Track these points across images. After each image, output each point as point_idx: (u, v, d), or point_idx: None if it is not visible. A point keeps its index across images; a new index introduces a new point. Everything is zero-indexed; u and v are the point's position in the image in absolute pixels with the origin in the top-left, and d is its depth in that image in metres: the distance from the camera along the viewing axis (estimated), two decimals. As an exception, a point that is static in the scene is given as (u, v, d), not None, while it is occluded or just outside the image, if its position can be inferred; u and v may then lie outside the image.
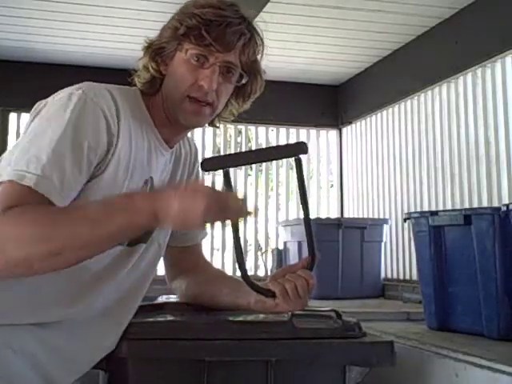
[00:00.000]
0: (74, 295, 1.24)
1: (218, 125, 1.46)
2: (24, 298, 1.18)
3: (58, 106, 1.19)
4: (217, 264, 4.18)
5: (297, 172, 1.26)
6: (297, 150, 1.24)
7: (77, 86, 1.24)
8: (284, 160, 4.60)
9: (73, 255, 1.08)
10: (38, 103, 1.26)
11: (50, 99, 1.24)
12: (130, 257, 1.34)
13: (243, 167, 4.52)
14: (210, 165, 1.20)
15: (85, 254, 1.10)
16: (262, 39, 1.37)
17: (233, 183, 1.23)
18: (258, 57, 1.38)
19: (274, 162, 4.65)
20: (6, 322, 1.16)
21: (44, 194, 1.09)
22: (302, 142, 1.25)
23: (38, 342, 1.20)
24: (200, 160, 1.56)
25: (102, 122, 1.19)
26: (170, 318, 1.46)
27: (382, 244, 3.67)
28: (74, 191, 1.15)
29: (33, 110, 1.25)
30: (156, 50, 1.33)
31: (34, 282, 1.17)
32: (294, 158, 1.25)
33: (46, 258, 1.06)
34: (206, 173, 1.20)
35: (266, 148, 1.27)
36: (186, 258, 1.58)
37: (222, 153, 4.45)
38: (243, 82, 1.35)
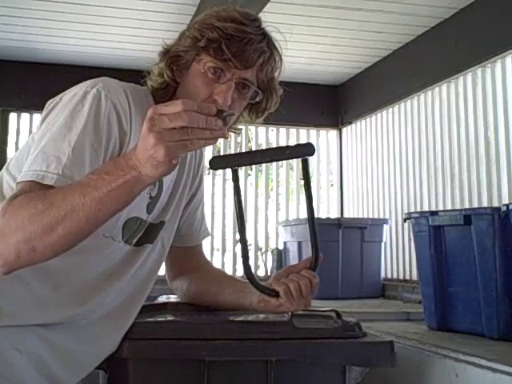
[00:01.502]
0: (81, 296, 1.25)
1: (226, 136, 1.46)
2: (31, 299, 1.18)
3: (74, 104, 1.19)
4: (217, 264, 4.18)
5: (303, 173, 1.27)
6: (304, 151, 1.24)
7: (92, 81, 1.24)
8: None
9: (70, 223, 1.02)
10: (49, 101, 1.26)
11: (64, 97, 1.23)
12: (137, 257, 1.34)
13: (243, 167, 4.53)
14: (217, 163, 1.20)
15: (83, 222, 1.03)
16: (280, 56, 1.37)
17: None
18: (276, 74, 1.38)
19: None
20: (13, 323, 1.16)
21: None
22: (309, 144, 1.24)
23: (43, 343, 1.20)
24: (205, 160, 1.57)
25: (116, 121, 1.20)
26: (170, 318, 1.47)
27: (382, 244, 3.67)
28: None
29: (45, 108, 1.25)
30: (172, 58, 1.31)
31: (40, 282, 1.18)
32: (300, 159, 1.25)
33: (45, 233, 1.01)
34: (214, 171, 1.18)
35: (274, 148, 1.27)
36: (187, 258, 1.58)
37: (221, 153, 4.46)
38: (257, 99, 1.36)
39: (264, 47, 1.31)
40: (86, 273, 1.24)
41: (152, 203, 1.34)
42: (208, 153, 4.36)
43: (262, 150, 1.28)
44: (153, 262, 1.40)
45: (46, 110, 1.25)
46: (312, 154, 1.22)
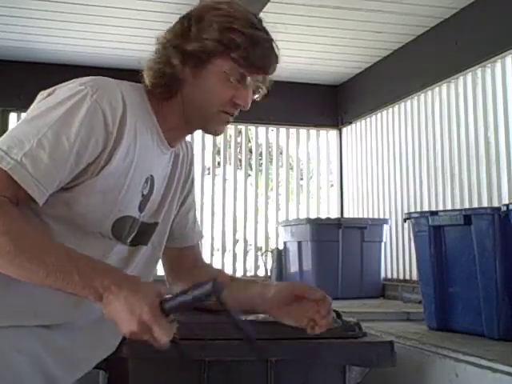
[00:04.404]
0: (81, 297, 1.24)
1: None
2: (31, 301, 1.18)
3: (59, 98, 1.19)
4: (217, 264, 4.18)
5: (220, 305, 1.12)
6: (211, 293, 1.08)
7: (87, 79, 1.23)
8: (284, 160, 4.62)
9: (9, 271, 1.08)
10: (42, 92, 1.25)
11: (57, 90, 1.23)
12: (133, 257, 1.34)
13: (243, 167, 4.53)
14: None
15: (19, 277, 1.10)
16: None
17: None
18: None
19: (274, 161, 4.66)
20: (12, 324, 1.16)
21: (18, 182, 1.09)
22: (214, 283, 1.08)
23: (42, 343, 1.20)
24: (195, 163, 1.57)
25: (97, 122, 1.18)
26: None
27: (382, 244, 3.67)
28: (53, 186, 1.15)
29: (37, 97, 1.25)
30: (193, 57, 1.28)
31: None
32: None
33: None
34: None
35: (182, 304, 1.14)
36: (182, 259, 1.57)
37: (221, 152, 4.45)
38: (262, 94, 1.38)
39: (277, 53, 1.34)
40: None
41: (144, 201, 1.33)
42: (208, 152, 4.36)
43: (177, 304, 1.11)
44: (146, 263, 1.40)
45: (37, 99, 1.25)
46: (220, 292, 1.08)
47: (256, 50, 1.27)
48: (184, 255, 1.58)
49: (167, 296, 1.10)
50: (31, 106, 1.24)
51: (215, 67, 1.28)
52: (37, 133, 1.13)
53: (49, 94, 1.23)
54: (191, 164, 1.53)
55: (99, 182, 1.21)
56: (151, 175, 1.33)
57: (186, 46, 1.28)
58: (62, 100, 1.18)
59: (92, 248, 1.24)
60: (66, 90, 1.21)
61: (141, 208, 1.33)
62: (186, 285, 1.56)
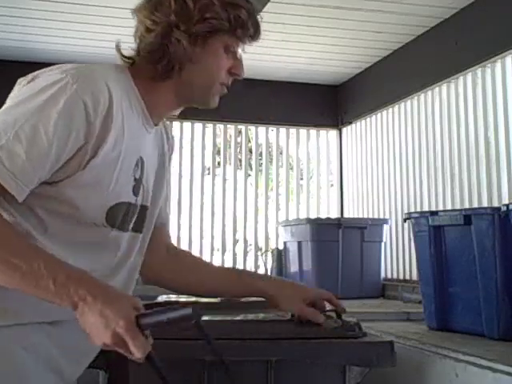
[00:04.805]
0: None
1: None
2: (28, 297, 1.18)
3: (38, 87, 1.16)
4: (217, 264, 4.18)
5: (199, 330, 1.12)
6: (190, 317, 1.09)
7: (70, 67, 1.20)
8: (284, 160, 4.61)
9: None
10: (21, 79, 1.24)
11: (36, 79, 1.20)
12: (133, 245, 1.34)
13: (243, 167, 4.53)
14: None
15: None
16: None
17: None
18: None
19: (274, 161, 4.66)
20: (18, 322, 1.16)
21: None
22: (193, 308, 1.08)
23: (48, 339, 1.20)
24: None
25: (78, 114, 1.15)
26: (169, 317, 1.46)
27: (382, 244, 3.67)
28: (33, 182, 1.13)
29: (16, 84, 1.24)
30: (197, 37, 1.28)
31: None
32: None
33: None
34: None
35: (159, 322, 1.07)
36: (158, 238, 1.52)
37: (221, 152, 4.45)
38: None
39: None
40: (92, 267, 1.23)
41: (137, 185, 1.31)
42: (208, 152, 4.36)
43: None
44: (138, 251, 1.38)
45: (15, 88, 1.23)
46: (199, 318, 1.08)
47: (253, 24, 1.32)
48: (159, 234, 1.53)
49: (144, 311, 1.06)
50: (10, 95, 1.21)
51: (218, 42, 1.31)
52: (13, 124, 1.10)
53: (28, 82, 1.21)
54: (172, 151, 1.52)
55: (86, 175, 1.18)
56: (140, 157, 1.31)
57: (191, 28, 1.27)
58: (41, 89, 1.15)
59: (88, 236, 1.24)
60: (45, 77, 1.18)
61: (135, 192, 1.31)
62: (163, 279, 1.55)
